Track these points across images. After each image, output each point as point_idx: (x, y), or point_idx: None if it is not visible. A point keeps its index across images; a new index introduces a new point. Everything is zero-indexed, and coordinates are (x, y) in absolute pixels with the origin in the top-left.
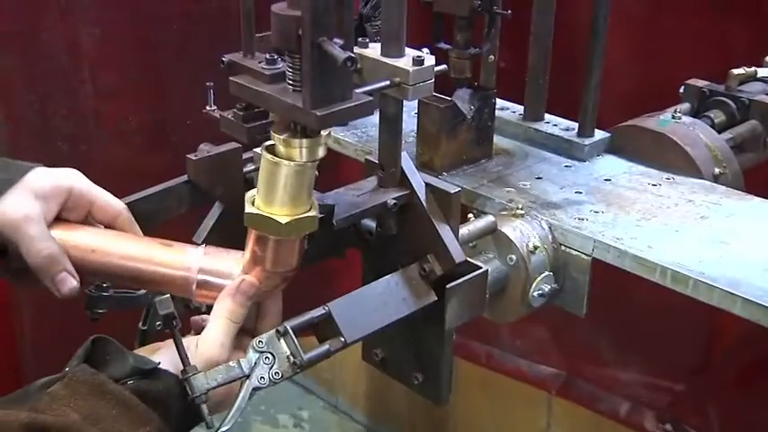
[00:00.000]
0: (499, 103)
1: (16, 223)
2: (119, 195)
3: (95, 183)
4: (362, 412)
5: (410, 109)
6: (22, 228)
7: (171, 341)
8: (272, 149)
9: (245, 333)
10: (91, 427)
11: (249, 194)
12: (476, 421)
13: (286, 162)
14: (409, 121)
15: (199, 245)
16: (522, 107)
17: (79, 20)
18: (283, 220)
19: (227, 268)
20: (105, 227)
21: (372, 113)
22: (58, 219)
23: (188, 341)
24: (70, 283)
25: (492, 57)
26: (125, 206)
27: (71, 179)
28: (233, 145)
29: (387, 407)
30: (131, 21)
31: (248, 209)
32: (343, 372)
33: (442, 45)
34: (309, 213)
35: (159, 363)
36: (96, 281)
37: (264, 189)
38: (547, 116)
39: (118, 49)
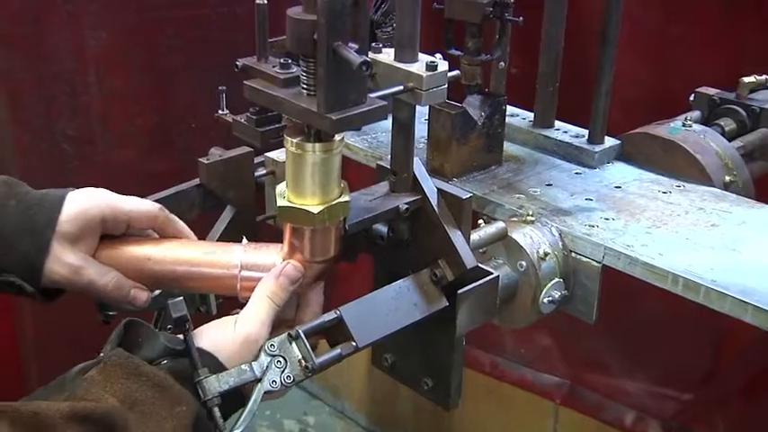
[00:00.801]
0: (509, 109)
1: (71, 279)
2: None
3: (101, 185)
4: (368, 418)
5: (421, 115)
6: (78, 281)
7: (206, 325)
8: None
9: (283, 324)
10: (128, 412)
11: (279, 188)
12: (481, 430)
13: (311, 151)
14: (420, 127)
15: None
16: (532, 114)
17: (86, 23)
18: (315, 209)
19: (268, 261)
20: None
21: (386, 118)
22: (105, 238)
23: (226, 320)
24: (141, 296)
25: (502, 63)
26: (159, 207)
27: (98, 208)
28: (245, 149)
29: (393, 413)
30: (137, 24)
31: (279, 202)
32: (349, 377)
33: (453, 51)
34: (341, 199)
35: (191, 341)
36: (153, 288)
37: (293, 180)
38: (557, 123)
39: (124, 53)
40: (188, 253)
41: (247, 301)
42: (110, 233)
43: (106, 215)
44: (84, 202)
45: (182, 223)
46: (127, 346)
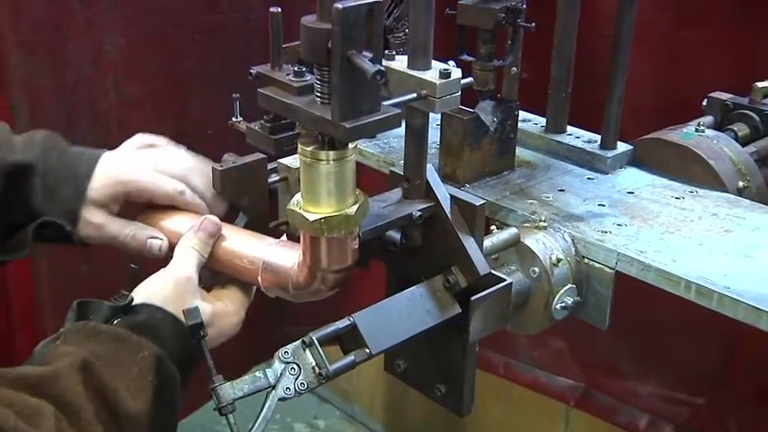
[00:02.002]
0: (521, 114)
1: (97, 235)
2: None
3: None
4: (378, 422)
5: (432, 120)
6: (103, 236)
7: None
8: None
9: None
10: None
11: (295, 197)
12: (492, 431)
13: (324, 159)
14: (431, 133)
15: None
16: (544, 119)
17: (104, 30)
18: (330, 217)
19: (287, 262)
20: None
21: (400, 125)
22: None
23: (155, 275)
24: (155, 245)
25: (515, 69)
26: (179, 190)
27: (122, 185)
28: (258, 155)
29: (403, 417)
30: (155, 31)
31: (293, 210)
32: (359, 381)
33: (465, 57)
34: (356, 207)
35: (132, 298)
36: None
37: (307, 189)
38: (569, 128)
39: (141, 60)
40: (223, 240)
41: (267, 292)
42: (135, 199)
43: (129, 190)
44: (112, 175)
45: (203, 206)
46: (81, 320)
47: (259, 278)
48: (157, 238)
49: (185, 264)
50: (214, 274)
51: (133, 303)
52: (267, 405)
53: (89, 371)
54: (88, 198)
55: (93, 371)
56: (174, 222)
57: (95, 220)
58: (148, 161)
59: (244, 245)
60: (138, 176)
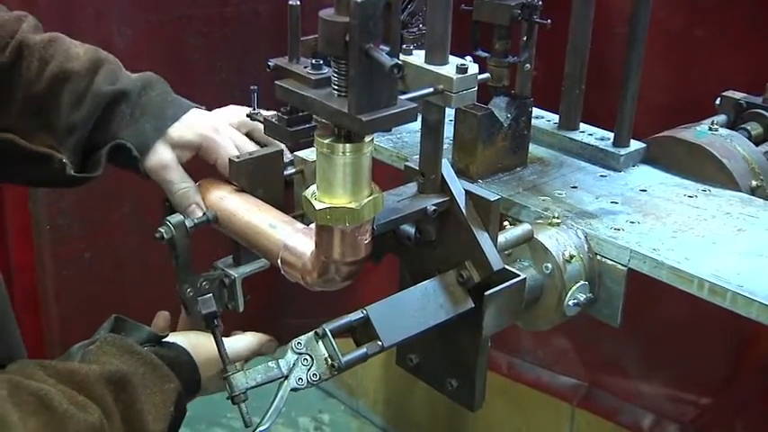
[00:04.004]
0: (534, 111)
1: (157, 171)
2: (150, 195)
3: (130, 182)
4: (383, 417)
5: (446, 116)
6: (161, 174)
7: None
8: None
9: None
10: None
11: (310, 189)
12: (496, 430)
13: (341, 152)
14: (445, 128)
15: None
16: (557, 116)
17: (112, 22)
18: (345, 209)
19: (306, 249)
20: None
21: (416, 120)
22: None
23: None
24: (196, 213)
25: (528, 65)
26: (233, 158)
27: (202, 135)
28: (275, 147)
29: (407, 412)
30: (163, 22)
31: (309, 202)
32: (364, 376)
33: (480, 53)
34: (371, 199)
35: (168, 333)
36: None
37: (322, 181)
38: (582, 126)
39: (149, 50)
40: (258, 220)
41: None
42: (205, 156)
43: (203, 144)
44: (194, 125)
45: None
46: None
47: (279, 260)
48: (201, 209)
49: (236, 348)
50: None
51: (166, 339)
52: (279, 395)
53: (123, 385)
54: (167, 135)
55: (127, 387)
56: (226, 202)
57: (165, 157)
58: (231, 130)
59: (270, 224)
60: (216, 137)
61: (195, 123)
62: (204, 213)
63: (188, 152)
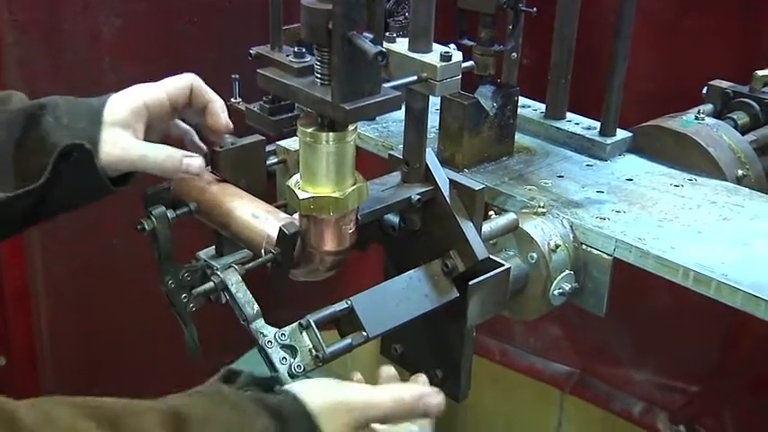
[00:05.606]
0: (521, 100)
1: (122, 156)
2: (138, 184)
3: None
4: None
5: (432, 105)
6: (130, 156)
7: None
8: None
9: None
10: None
11: (293, 178)
12: (486, 417)
13: (324, 141)
14: (430, 117)
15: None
16: (544, 105)
17: (101, 11)
18: (329, 199)
19: None
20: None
21: (400, 108)
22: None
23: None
24: (194, 162)
25: (515, 54)
26: (192, 76)
27: (138, 95)
28: (257, 137)
29: None
30: (152, 12)
31: (292, 192)
32: (354, 367)
33: (466, 41)
34: (354, 188)
35: (281, 380)
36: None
37: (306, 170)
38: (569, 115)
39: (138, 41)
40: (241, 209)
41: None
42: (156, 117)
43: (146, 99)
44: (127, 95)
45: (212, 92)
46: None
47: (262, 251)
48: (195, 156)
49: (375, 399)
50: None
51: (281, 388)
52: None
53: (179, 424)
54: (106, 121)
55: (183, 426)
56: (208, 192)
57: (121, 141)
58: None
59: (254, 214)
60: (149, 85)
61: (125, 94)
62: (186, 204)
63: (140, 124)
